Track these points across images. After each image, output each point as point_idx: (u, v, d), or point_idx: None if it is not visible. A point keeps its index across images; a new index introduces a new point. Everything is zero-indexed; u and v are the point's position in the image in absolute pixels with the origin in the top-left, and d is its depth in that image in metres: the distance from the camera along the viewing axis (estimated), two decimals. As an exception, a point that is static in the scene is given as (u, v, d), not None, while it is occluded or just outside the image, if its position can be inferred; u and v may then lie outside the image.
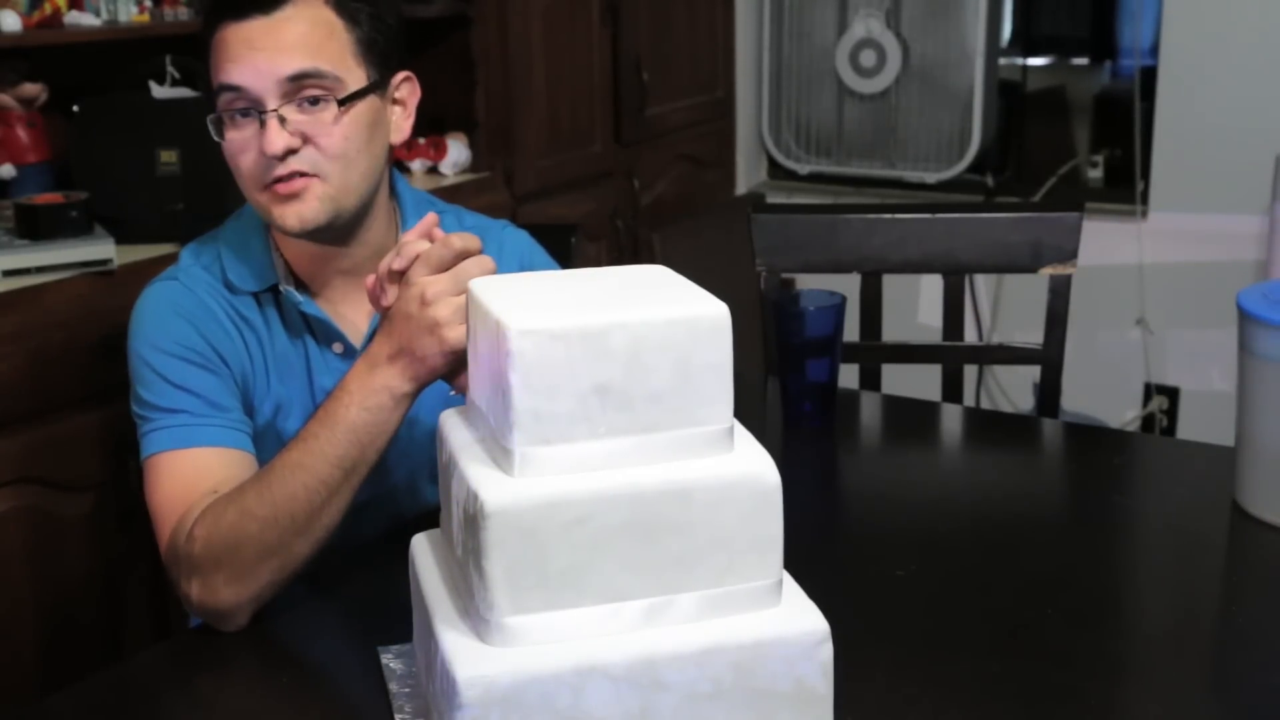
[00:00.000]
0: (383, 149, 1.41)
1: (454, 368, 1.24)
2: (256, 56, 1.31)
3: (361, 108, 1.36)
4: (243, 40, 1.32)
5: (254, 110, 1.32)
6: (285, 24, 1.32)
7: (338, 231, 1.39)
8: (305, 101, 1.33)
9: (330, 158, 1.34)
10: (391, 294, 1.22)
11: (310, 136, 1.33)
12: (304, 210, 1.34)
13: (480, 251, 1.20)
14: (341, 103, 1.34)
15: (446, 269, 1.19)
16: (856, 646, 1.05)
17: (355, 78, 1.35)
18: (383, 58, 1.39)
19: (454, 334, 1.17)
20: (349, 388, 1.23)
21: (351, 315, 1.45)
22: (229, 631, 1.24)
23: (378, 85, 1.38)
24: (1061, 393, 1.93)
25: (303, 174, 1.33)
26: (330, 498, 1.23)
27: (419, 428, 1.45)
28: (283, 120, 1.32)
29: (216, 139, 1.36)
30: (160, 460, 1.32)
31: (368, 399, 1.21)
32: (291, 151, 1.32)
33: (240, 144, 1.34)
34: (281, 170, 1.33)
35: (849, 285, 1.83)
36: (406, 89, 1.44)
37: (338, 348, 1.44)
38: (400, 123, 1.43)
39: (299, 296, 1.41)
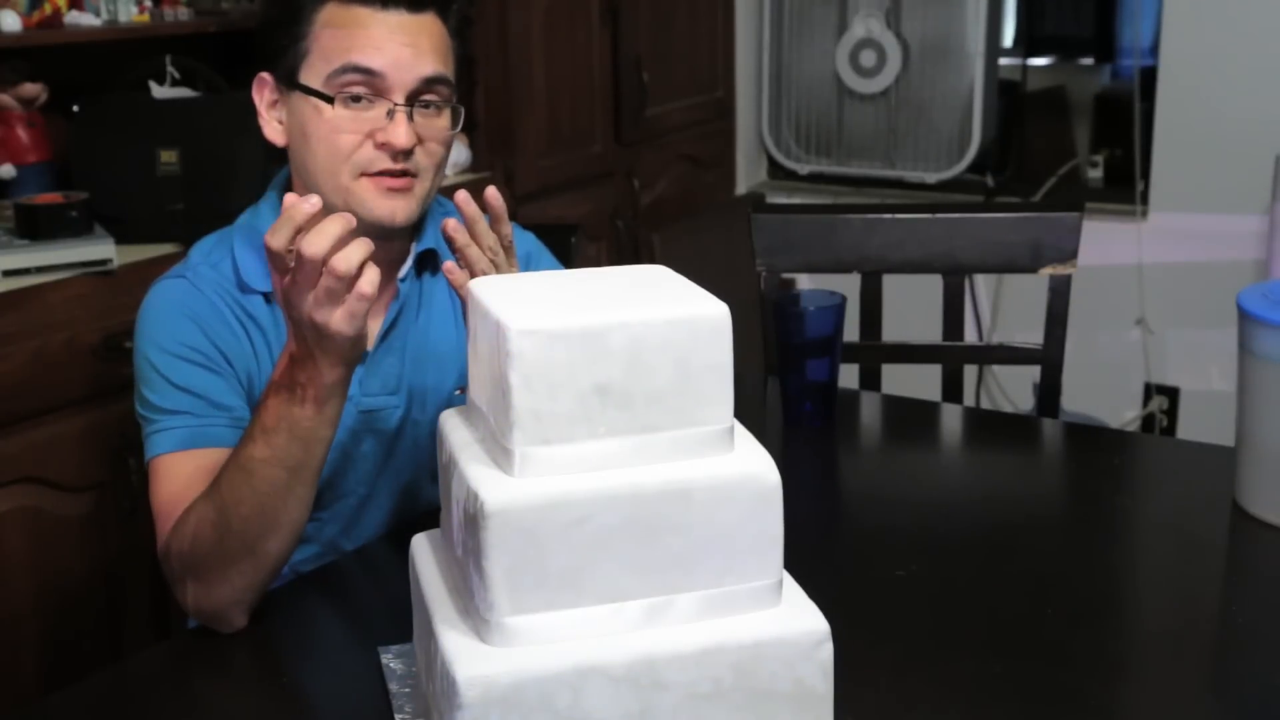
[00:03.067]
0: None
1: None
2: (403, 50, 1.34)
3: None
4: (387, 30, 1.34)
5: (379, 98, 1.34)
6: (424, 27, 1.36)
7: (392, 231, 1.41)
8: (421, 105, 1.36)
9: (431, 164, 1.38)
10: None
11: (423, 139, 1.36)
12: (402, 208, 1.37)
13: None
14: (455, 112, 1.39)
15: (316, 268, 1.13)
16: (856, 646, 1.05)
17: (454, 93, 1.40)
18: (460, 82, 1.43)
19: (323, 318, 1.11)
20: (279, 383, 1.18)
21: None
22: (227, 632, 1.23)
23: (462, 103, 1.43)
24: (1061, 393, 1.93)
25: (407, 172, 1.36)
26: (282, 497, 1.19)
27: (419, 427, 1.45)
28: (409, 117, 1.35)
29: (327, 104, 1.34)
30: (161, 463, 1.32)
31: (295, 392, 1.17)
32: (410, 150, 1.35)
33: (352, 124, 1.35)
34: (394, 165, 1.35)
35: (849, 285, 1.83)
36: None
37: None
38: None
39: None
